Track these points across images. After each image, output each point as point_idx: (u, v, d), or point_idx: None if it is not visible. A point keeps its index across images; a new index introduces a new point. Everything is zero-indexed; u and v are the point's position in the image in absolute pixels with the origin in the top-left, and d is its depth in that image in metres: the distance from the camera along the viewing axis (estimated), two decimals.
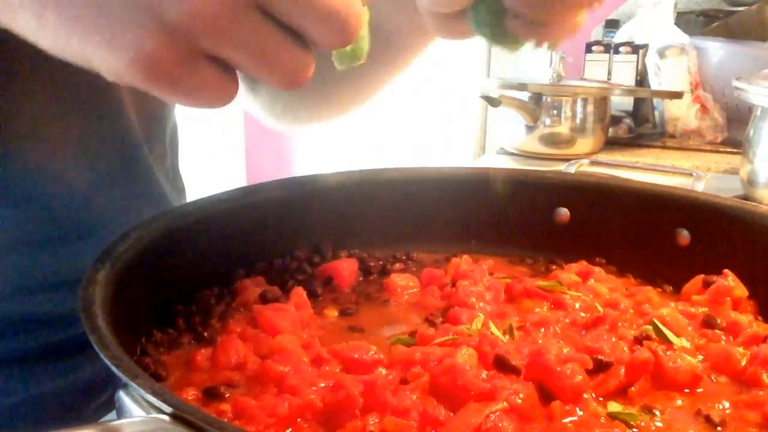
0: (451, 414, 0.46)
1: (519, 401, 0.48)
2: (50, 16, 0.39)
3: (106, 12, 0.39)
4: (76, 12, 0.39)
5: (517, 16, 0.54)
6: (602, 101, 1.64)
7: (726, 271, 0.66)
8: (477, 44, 2.69)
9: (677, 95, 1.71)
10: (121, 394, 0.41)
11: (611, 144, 1.72)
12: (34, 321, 0.73)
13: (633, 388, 0.53)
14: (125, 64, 0.39)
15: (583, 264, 0.72)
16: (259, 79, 0.43)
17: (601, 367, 0.53)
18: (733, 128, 1.70)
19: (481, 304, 0.64)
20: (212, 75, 0.41)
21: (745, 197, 1.20)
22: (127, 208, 0.75)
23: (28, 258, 0.72)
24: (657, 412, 0.51)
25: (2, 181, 0.68)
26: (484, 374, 0.50)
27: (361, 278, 0.72)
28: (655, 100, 1.86)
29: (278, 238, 0.71)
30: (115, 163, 0.77)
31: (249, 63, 0.42)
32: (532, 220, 0.78)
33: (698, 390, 0.54)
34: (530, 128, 1.62)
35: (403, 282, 0.70)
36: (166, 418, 0.38)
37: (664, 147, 1.74)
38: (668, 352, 0.55)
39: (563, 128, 1.62)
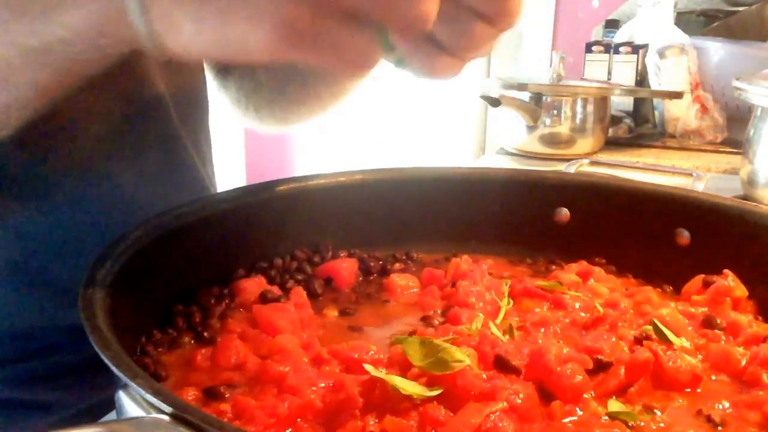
0: (451, 414, 0.46)
1: (519, 401, 0.48)
2: (207, 14, 0.45)
3: (249, 4, 0.44)
4: (224, 4, 0.44)
5: None
6: (602, 101, 1.64)
7: (726, 271, 0.66)
8: None
9: (677, 95, 1.70)
10: (121, 394, 0.41)
11: (611, 144, 1.71)
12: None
13: (633, 388, 0.53)
14: (268, 32, 0.43)
15: (583, 264, 0.72)
16: (388, 24, 0.45)
17: (601, 367, 0.53)
18: (733, 128, 1.70)
19: (481, 304, 0.64)
20: (347, 33, 0.44)
21: (745, 197, 1.19)
22: (171, 202, 0.76)
23: (77, 265, 0.71)
24: (657, 412, 0.51)
25: (49, 183, 0.69)
26: (484, 374, 0.50)
27: (361, 278, 0.72)
28: (655, 100, 1.85)
29: (278, 238, 0.71)
30: (157, 157, 0.77)
31: (380, 13, 0.44)
32: (532, 220, 0.78)
33: (698, 390, 0.54)
34: (530, 128, 1.62)
35: (403, 282, 0.70)
36: (166, 418, 0.38)
37: (664, 147, 1.74)
38: (668, 352, 0.55)
39: (563, 128, 1.62)
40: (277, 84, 0.91)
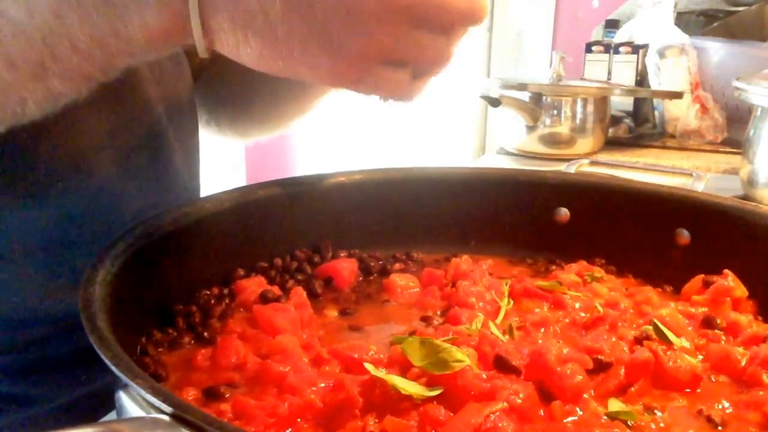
0: (451, 414, 0.46)
1: (519, 401, 0.48)
2: (268, 43, 0.54)
3: (312, 50, 0.54)
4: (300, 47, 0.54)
5: None
6: (602, 101, 1.64)
7: (726, 271, 0.66)
8: (477, 44, 2.69)
9: (677, 95, 1.70)
10: (121, 394, 0.41)
11: (611, 144, 1.72)
12: (70, 323, 0.74)
13: (633, 388, 0.53)
14: (325, 76, 0.56)
15: (583, 264, 0.72)
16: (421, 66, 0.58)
17: (601, 367, 0.53)
18: (733, 128, 1.70)
19: (481, 304, 0.64)
20: (387, 74, 0.56)
21: (745, 197, 1.20)
22: (156, 202, 0.76)
23: (59, 258, 0.72)
24: (657, 412, 0.51)
25: (40, 177, 0.69)
26: (484, 374, 0.50)
27: (361, 278, 0.72)
28: (655, 100, 1.85)
29: (278, 238, 0.71)
30: (144, 157, 0.77)
31: (412, 60, 0.57)
32: (532, 220, 0.78)
33: (698, 390, 0.54)
34: (530, 128, 1.62)
35: (403, 282, 0.70)
36: (166, 418, 0.38)
37: (664, 147, 1.74)
38: (668, 352, 0.55)
39: (563, 128, 1.62)
40: (242, 102, 0.92)
